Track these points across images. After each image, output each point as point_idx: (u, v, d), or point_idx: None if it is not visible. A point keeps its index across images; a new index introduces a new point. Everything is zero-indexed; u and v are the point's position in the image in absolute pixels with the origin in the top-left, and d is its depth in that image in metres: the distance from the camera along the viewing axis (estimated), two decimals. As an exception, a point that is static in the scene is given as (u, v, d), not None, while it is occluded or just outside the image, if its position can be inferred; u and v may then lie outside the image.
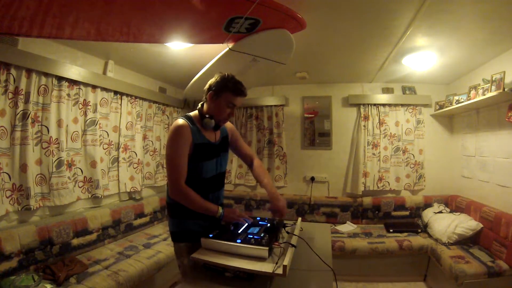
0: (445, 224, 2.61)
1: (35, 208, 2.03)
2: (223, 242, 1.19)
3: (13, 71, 1.93)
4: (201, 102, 1.45)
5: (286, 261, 1.04)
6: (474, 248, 2.40)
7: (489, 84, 2.34)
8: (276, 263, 1.07)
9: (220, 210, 1.36)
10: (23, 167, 1.97)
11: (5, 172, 1.90)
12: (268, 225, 1.40)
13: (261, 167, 1.67)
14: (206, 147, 1.39)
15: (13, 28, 1.66)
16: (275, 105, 3.66)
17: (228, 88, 1.37)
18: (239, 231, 1.31)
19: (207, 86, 1.41)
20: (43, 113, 2.12)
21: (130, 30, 1.85)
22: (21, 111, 1.97)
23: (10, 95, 1.93)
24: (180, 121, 1.34)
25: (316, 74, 3.30)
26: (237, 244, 1.16)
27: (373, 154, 3.39)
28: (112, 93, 2.73)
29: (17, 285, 1.61)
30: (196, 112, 1.44)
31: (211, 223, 1.40)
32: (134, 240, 2.65)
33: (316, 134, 3.71)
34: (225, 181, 3.77)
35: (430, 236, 2.76)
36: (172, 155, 1.31)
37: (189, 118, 1.39)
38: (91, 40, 2.05)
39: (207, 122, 1.38)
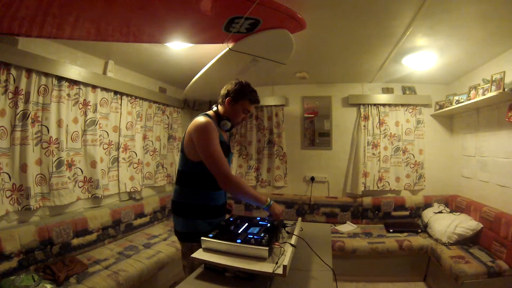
0: (445, 224, 2.61)
1: (35, 208, 2.03)
2: (223, 242, 1.19)
3: (13, 71, 1.93)
4: (216, 104, 1.55)
5: (286, 261, 1.04)
6: (474, 248, 2.40)
7: (489, 84, 2.34)
8: (276, 263, 1.07)
9: (269, 200, 1.42)
10: (23, 167, 1.97)
11: (5, 172, 1.90)
12: (268, 225, 1.40)
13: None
14: (224, 145, 1.45)
15: (13, 28, 1.66)
16: (275, 105, 3.66)
17: (246, 96, 1.47)
18: (239, 231, 1.31)
19: (224, 91, 1.50)
20: (43, 113, 2.12)
21: (130, 30, 1.86)
22: (21, 111, 1.97)
23: (10, 95, 1.93)
24: (205, 118, 1.39)
25: (316, 74, 3.30)
26: (237, 244, 1.15)
27: (373, 154, 3.39)
28: (112, 93, 2.73)
29: (17, 285, 1.61)
30: (212, 112, 1.51)
31: (221, 222, 1.45)
32: (134, 240, 2.65)
33: (316, 134, 3.71)
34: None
35: (430, 236, 2.76)
36: (213, 148, 1.34)
37: (210, 117, 1.44)
38: (91, 40, 2.05)
39: (224, 123, 1.48)
